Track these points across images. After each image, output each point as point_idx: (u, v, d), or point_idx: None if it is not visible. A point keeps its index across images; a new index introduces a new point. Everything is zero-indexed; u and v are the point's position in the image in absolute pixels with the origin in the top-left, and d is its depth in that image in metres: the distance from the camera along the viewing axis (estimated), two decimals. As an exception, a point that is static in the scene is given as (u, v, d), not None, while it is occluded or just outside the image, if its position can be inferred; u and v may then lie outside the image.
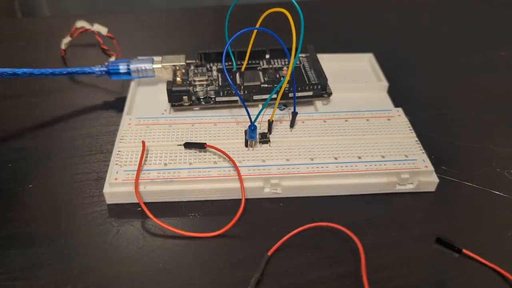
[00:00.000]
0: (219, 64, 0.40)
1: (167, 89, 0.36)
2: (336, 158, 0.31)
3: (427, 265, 0.27)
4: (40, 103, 0.39)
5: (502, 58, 0.48)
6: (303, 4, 0.30)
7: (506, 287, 0.26)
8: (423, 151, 0.32)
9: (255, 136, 0.32)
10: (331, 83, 0.38)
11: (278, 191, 0.30)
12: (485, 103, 0.40)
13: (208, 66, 0.39)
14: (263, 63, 0.40)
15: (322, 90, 0.37)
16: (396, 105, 0.38)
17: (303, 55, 0.41)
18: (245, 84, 0.37)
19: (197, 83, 0.37)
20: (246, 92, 0.36)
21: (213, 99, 0.37)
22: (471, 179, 0.32)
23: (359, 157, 0.31)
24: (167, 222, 0.28)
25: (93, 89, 0.41)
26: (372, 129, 0.34)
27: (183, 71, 0.38)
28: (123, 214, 0.29)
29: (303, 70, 0.40)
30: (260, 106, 0.36)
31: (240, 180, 0.29)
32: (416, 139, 0.33)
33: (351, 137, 0.33)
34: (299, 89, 0.37)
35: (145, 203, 0.29)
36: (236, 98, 0.36)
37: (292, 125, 0.34)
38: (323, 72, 0.38)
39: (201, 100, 0.37)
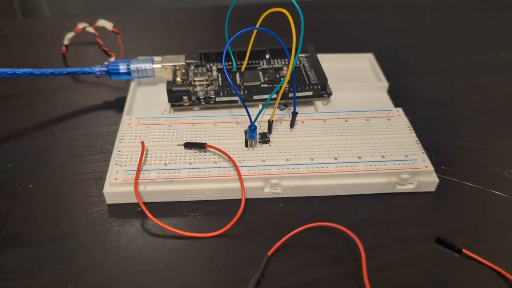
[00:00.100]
0: (219, 64, 0.40)
1: (167, 89, 0.36)
2: (336, 158, 0.31)
3: (427, 265, 0.27)
4: (40, 103, 0.39)
5: (502, 58, 0.48)
6: (303, 4, 0.30)
7: (506, 287, 0.26)
8: (423, 151, 0.32)
9: (255, 136, 0.32)
10: (331, 83, 0.38)
11: (278, 191, 0.30)
12: (485, 103, 0.40)
13: (208, 66, 0.39)
14: (263, 63, 0.40)
15: (322, 90, 0.37)
16: (396, 105, 0.38)
17: (303, 55, 0.41)
18: (245, 84, 0.37)
19: (197, 83, 0.37)
20: (246, 92, 0.36)
21: (213, 99, 0.37)
22: (471, 179, 0.32)
23: (359, 157, 0.31)
24: (167, 222, 0.28)
25: (93, 89, 0.41)
26: (372, 129, 0.34)
27: (183, 71, 0.38)
28: (123, 214, 0.29)
29: (303, 70, 0.40)
30: (260, 106, 0.36)
31: (240, 180, 0.29)
32: (416, 139, 0.33)
33: (351, 137, 0.33)
34: (299, 89, 0.37)
35: (145, 203, 0.29)
36: (236, 98, 0.36)
37: (292, 125, 0.34)
38: (323, 72, 0.38)
39: (201, 100, 0.37)
